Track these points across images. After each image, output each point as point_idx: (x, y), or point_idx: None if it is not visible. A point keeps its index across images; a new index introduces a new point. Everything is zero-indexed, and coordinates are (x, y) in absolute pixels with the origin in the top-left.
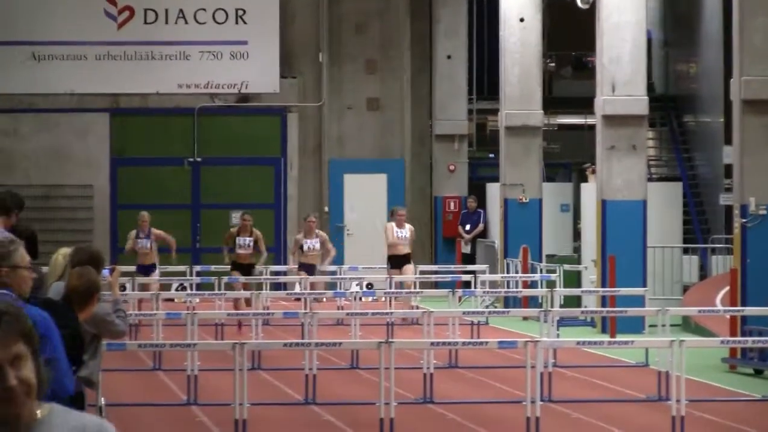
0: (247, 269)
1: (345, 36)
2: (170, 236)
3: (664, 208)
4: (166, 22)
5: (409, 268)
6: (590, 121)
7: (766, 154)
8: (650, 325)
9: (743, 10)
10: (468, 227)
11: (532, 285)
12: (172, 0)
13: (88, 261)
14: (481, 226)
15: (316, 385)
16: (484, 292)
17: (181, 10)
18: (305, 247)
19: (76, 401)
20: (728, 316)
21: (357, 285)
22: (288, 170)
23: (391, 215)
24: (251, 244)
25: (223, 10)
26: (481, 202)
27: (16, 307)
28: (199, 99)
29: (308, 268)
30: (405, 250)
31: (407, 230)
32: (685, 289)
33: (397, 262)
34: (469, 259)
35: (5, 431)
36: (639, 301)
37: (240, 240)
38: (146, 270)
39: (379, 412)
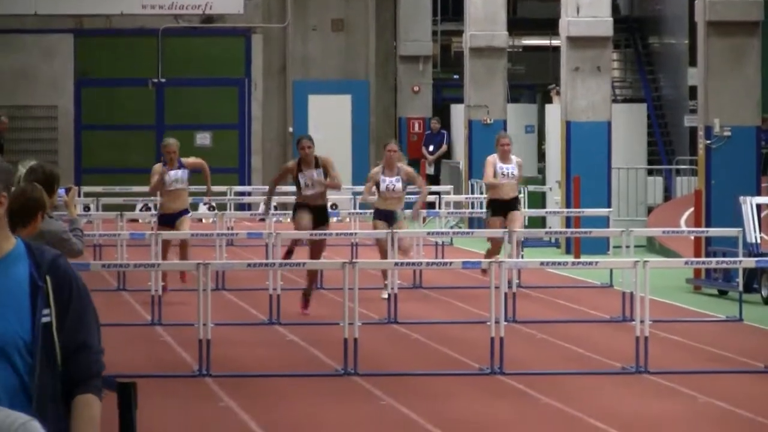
0: (321, 213)
1: None
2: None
3: (628, 129)
4: None
5: (517, 216)
6: (555, 42)
7: (731, 75)
8: (614, 246)
9: None
10: (431, 148)
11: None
12: None
13: (42, 179)
14: (444, 147)
15: (280, 306)
16: (448, 212)
17: None
18: (382, 187)
19: None
20: (692, 237)
21: None
22: (252, 91)
23: (495, 145)
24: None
25: None
26: (446, 124)
27: None
28: (163, 20)
29: (386, 216)
30: (512, 192)
31: (515, 164)
32: (650, 210)
33: (500, 207)
34: (433, 179)
35: None
36: (603, 221)
37: (305, 175)
38: (174, 218)
39: (343, 332)
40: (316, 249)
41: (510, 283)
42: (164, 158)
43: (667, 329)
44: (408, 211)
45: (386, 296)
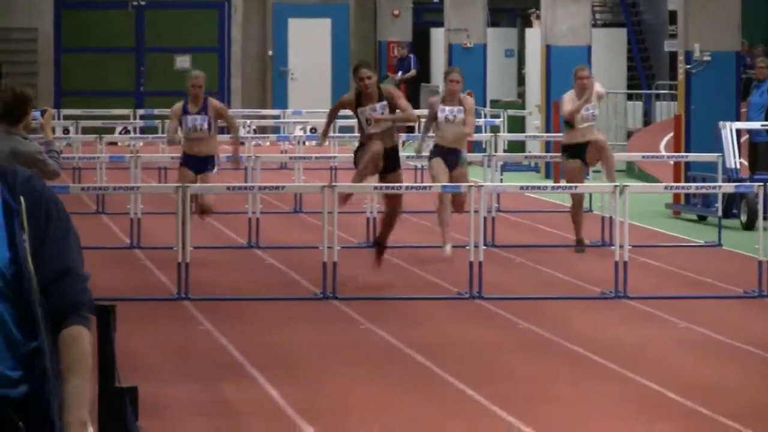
0: (391, 157)
1: None
2: (233, 118)
3: (608, 54)
4: None
5: (608, 157)
6: None
7: (711, 1)
8: (594, 171)
9: None
10: (399, 73)
11: (476, 130)
12: None
13: (12, 101)
14: (412, 72)
15: (259, 229)
16: (427, 137)
17: None
18: (441, 117)
19: None
20: (672, 162)
21: (301, 129)
22: (232, 14)
23: (573, 78)
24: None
25: None
26: (425, 48)
27: None
28: None
29: (447, 154)
30: (590, 134)
31: (596, 101)
32: (629, 135)
33: (578, 151)
34: None
35: None
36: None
37: (365, 110)
38: (200, 164)
39: (322, 255)
40: (393, 203)
41: (489, 207)
42: (187, 95)
43: (646, 254)
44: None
45: (448, 253)
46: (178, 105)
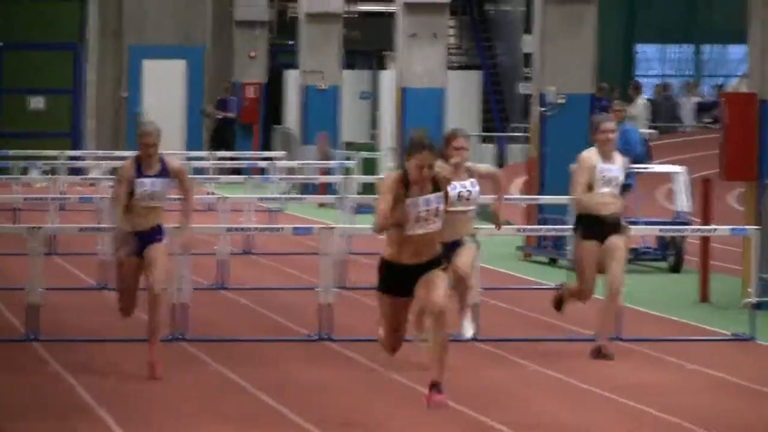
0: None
1: None
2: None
3: (463, 96)
4: None
5: (619, 246)
6: (391, 8)
7: (566, 43)
8: None
9: None
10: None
11: (330, 172)
12: None
13: None
14: (230, 113)
15: (109, 271)
16: (280, 178)
17: None
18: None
19: None
20: (524, 205)
21: None
22: (87, 55)
23: (593, 133)
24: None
25: None
26: (279, 89)
27: None
28: None
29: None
30: (614, 206)
31: (621, 165)
32: None
33: (596, 228)
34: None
35: None
36: None
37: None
38: (146, 240)
39: (172, 297)
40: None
41: (341, 249)
42: (139, 153)
43: (497, 297)
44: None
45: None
46: (128, 165)
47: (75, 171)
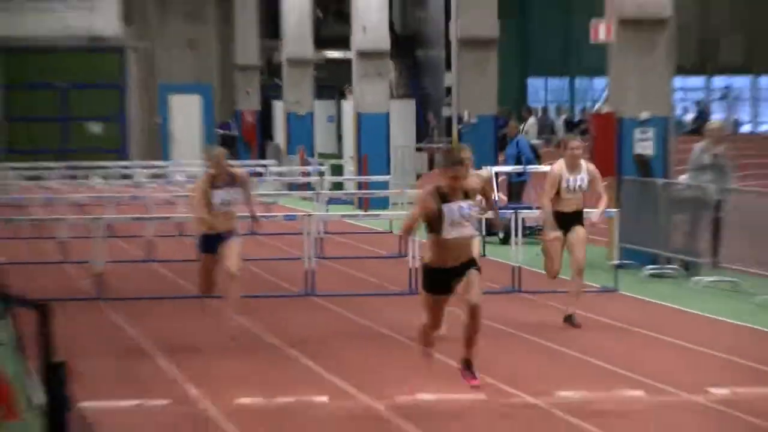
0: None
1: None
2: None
3: (402, 118)
4: None
5: (581, 235)
6: (348, 55)
7: (476, 78)
8: (393, 203)
9: None
10: (219, 130)
11: (308, 174)
12: None
13: None
14: (232, 132)
15: (153, 248)
16: (273, 179)
17: None
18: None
19: None
20: None
21: (180, 175)
22: (129, 92)
23: (563, 148)
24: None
25: None
26: (269, 115)
27: None
28: (66, 40)
29: (567, 220)
30: (576, 206)
31: (585, 172)
32: (418, 176)
33: (561, 221)
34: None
35: None
36: (385, 185)
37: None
38: (221, 240)
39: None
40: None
41: (318, 230)
42: (211, 171)
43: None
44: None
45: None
46: (204, 180)
47: (124, 176)
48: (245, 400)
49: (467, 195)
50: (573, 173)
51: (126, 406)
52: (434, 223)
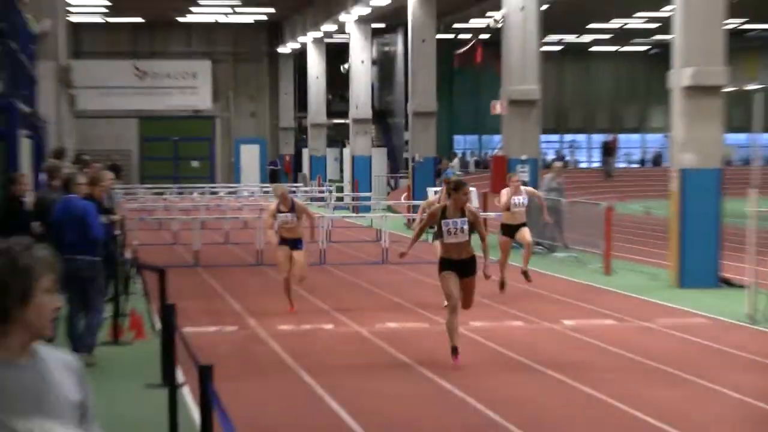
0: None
1: (240, 87)
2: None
3: (378, 159)
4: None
5: (526, 231)
6: (347, 121)
7: (423, 135)
8: (373, 209)
9: (414, 65)
10: (275, 165)
11: (323, 192)
12: (162, 66)
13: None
14: (278, 167)
15: (231, 235)
16: (301, 195)
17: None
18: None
19: None
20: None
21: (247, 193)
22: (216, 143)
23: (508, 181)
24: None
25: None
26: (300, 157)
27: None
28: (178, 111)
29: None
30: (521, 218)
31: (525, 195)
32: (388, 193)
33: (511, 230)
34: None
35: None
36: (368, 198)
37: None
38: (292, 243)
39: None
40: (469, 300)
41: (328, 225)
42: (279, 201)
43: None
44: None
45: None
46: (273, 207)
47: (212, 193)
48: (283, 327)
49: (463, 214)
50: (516, 195)
51: (210, 331)
52: (438, 231)
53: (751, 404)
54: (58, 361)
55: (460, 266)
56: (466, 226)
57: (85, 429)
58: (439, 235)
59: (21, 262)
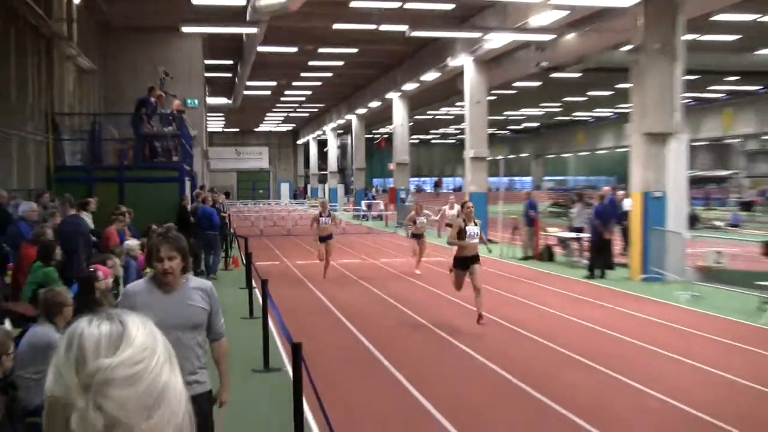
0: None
1: (281, 158)
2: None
3: (341, 190)
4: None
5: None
6: (325, 172)
7: (360, 178)
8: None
9: (356, 148)
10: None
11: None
12: (246, 149)
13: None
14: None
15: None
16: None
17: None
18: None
19: None
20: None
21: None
22: (270, 181)
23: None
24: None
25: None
26: (306, 189)
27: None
28: (254, 169)
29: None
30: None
31: (477, 225)
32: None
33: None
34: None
35: (166, 289)
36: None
37: (469, 228)
38: (328, 238)
39: None
40: (476, 280)
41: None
42: (321, 209)
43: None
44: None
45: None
46: (316, 213)
47: (268, 203)
48: (299, 262)
49: (475, 223)
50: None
51: (266, 263)
52: (461, 234)
53: None
54: (196, 285)
55: (471, 260)
56: (478, 232)
57: (211, 322)
58: (459, 238)
59: (152, 241)
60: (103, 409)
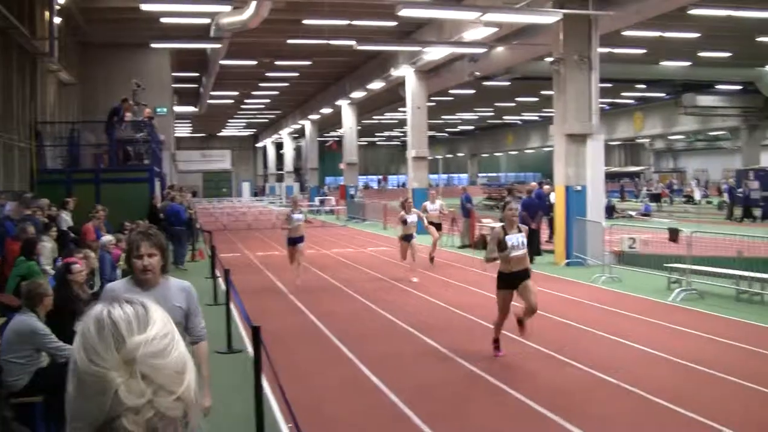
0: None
1: (242, 160)
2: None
3: (296, 187)
4: None
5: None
6: (282, 172)
7: (313, 177)
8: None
9: (308, 150)
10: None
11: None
12: (212, 153)
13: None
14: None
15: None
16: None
17: None
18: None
19: None
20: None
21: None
22: (232, 181)
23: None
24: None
25: None
26: (264, 187)
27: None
28: (218, 170)
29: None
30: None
31: (523, 232)
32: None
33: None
34: None
35: (145, 288)
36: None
37: (511, 238)
38: (298, 240)
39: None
40: (529, 298)
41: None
42: (292, 207)
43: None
44: None
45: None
46: (288, 211)
47: (230, 201)
48: (258, 253)
49: (519, 230)
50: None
51: (229, 255)
52: (501, 246)
53: None
54: (176, 285)
55: (519, 277)
56: (524, 241)
57: (190, 322)
58: (501, 250)
59: (132, 238)
60: (148, 378)
